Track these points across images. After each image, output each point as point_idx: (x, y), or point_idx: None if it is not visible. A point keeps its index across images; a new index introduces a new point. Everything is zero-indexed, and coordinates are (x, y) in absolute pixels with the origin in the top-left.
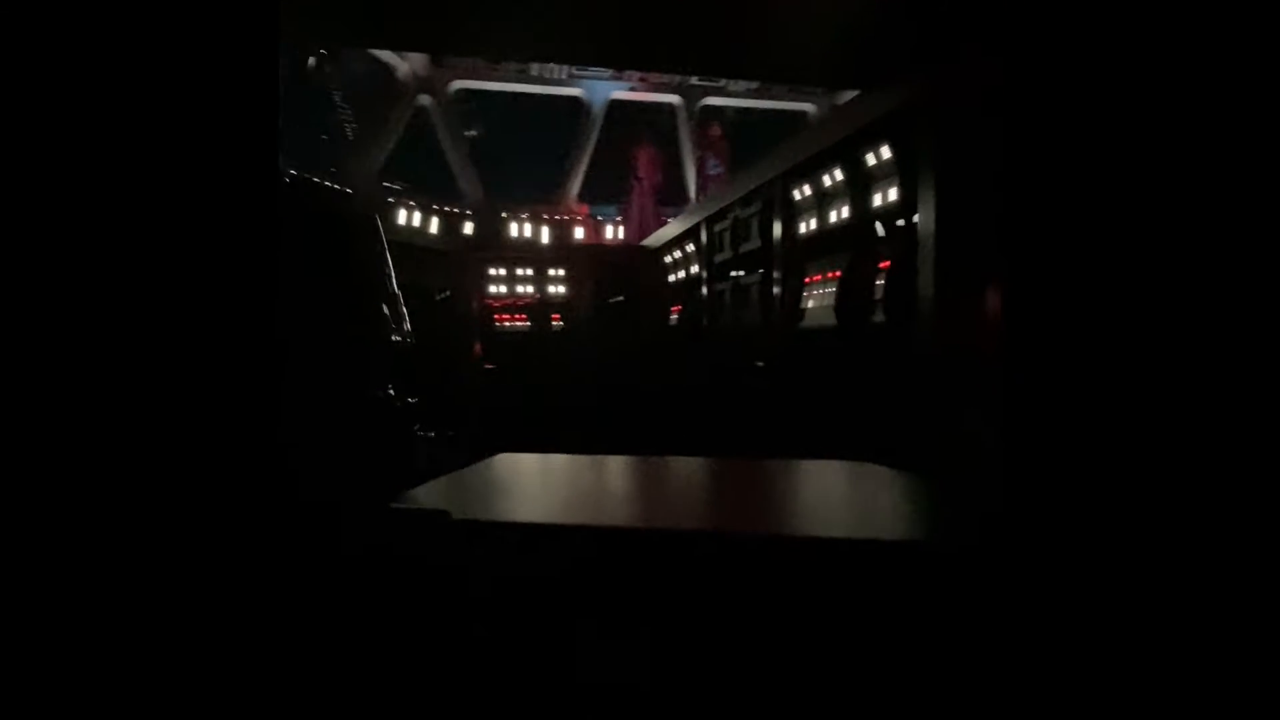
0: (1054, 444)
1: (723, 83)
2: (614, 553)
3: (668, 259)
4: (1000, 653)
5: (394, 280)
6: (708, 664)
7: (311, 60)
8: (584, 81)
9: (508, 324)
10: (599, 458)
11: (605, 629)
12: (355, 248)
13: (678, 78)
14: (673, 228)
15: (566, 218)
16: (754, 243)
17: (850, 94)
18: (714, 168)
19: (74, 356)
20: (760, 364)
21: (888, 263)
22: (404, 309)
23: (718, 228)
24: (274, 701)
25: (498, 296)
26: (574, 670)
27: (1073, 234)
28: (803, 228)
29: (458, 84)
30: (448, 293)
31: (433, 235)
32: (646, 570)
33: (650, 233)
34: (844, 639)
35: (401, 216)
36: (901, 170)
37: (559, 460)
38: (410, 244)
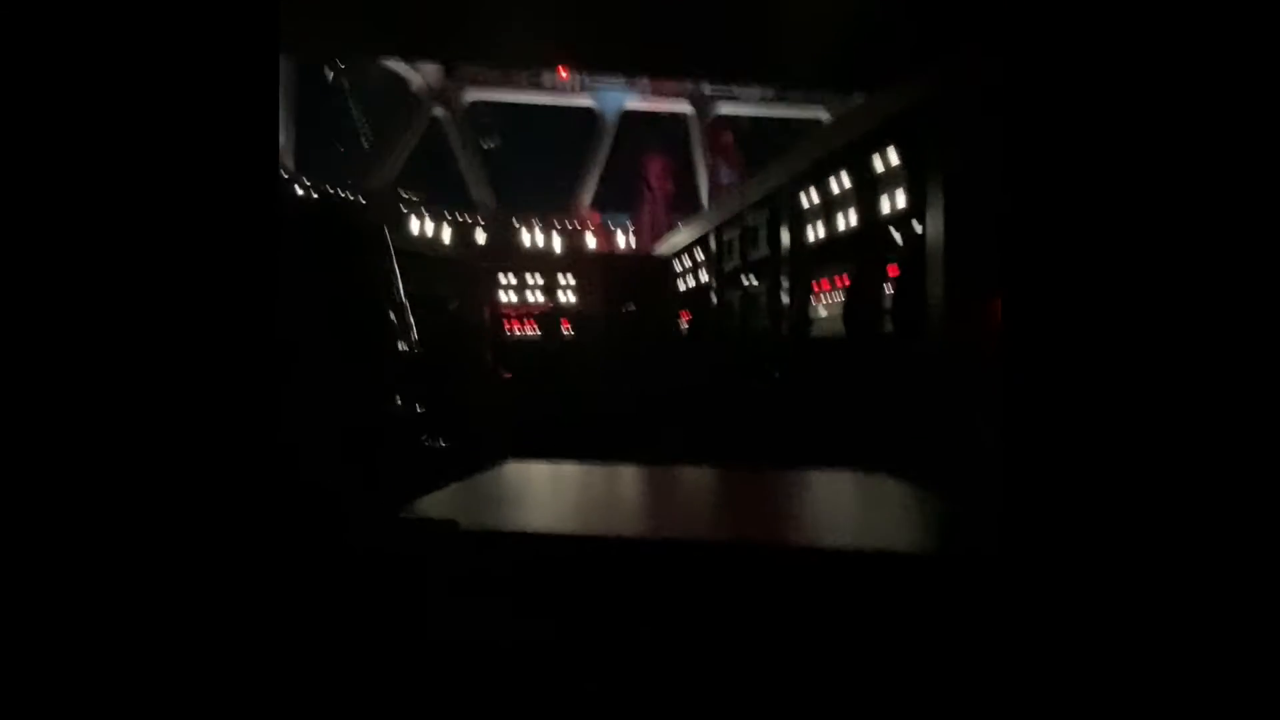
0: (1066, 454)
1: (736, 91)
2: (623, 563)
3: (678, 266)
4: (1014, 666)
5: (401, 289)
6: (718, 675)
7: (330, 73)
8: (596, 92)
9: (517, 332)
10: (607, 467)
11: (614, 640)
12: (362, 257)
13: (690, 87)
14: (683, 235)
15: (579, 226)
16: (762, 250)
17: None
18: (727, 176)
19: (72, 357)
20: (776, 374)
21: (895, 268)
22: (411, 318)
23: (726, 235)
24: (281, 712)
25: (508, 305)
26: (582, 681)
27: (1074, 235)
28: (810, 234)
29: (471, 95)
30: (456, 303)
31: (445, 244)
32: (656, 581)
33: (662, 241)
34: (857, 651)
35: (415, 226)
36: (910, 175)
37: (567, 469)
38: (421, 254)
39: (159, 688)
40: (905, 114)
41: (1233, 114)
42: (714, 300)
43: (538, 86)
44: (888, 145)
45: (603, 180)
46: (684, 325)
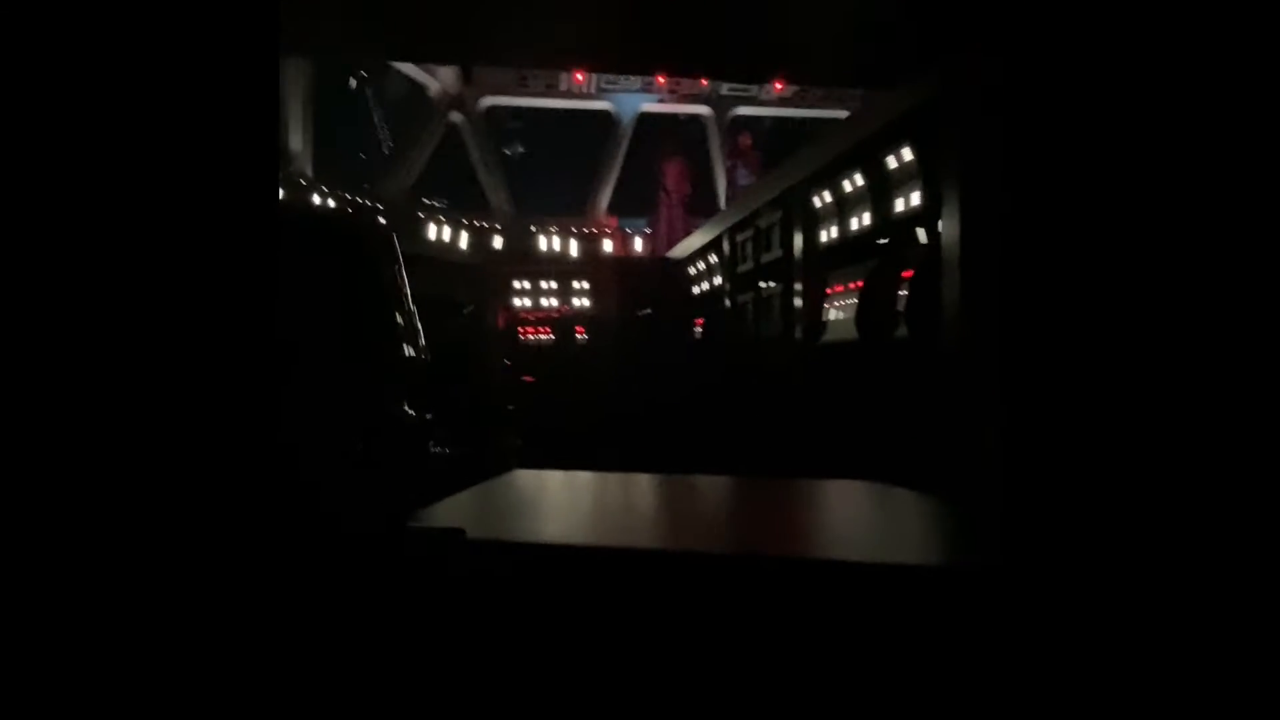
0: (1077, 464)
1: (753, 92)
2: (631, 573)
3: (692, 270)
4: (1023, 678)
5: (410, 296)
6: (727, 688)
7: (353, 82)
8: (613, 95)
9: (531, 337)
10: (615, 475)
11: (622, 650)
12: (370, 264)
13: (707, 89)
14: (697, 238)
15: (595, 231)
16: (775, 252)
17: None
18: (745, 178)
19: (71, 357)
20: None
21: (910, 271)
22: (419, 325)
23: (739, 237)
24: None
25: (522, 309)
26: (590, 692)
27: (1073, 235)
28: (823, 235)
29: (488, 101)
30: (471, 307)
31: (462, 250)
32: (664, 592)
33: (677, 245)
34: (865, 663)
35: (432, 231)
36: (925, 174)
37: (574, 477)
38: (436, 259)
39: (159, 688)
40: (913, 113)
41: (1233, 114)
42: (728, 304)
43: (554, 90)
44: (898, 146)
45: (620, 184)
46: (697, 331)
